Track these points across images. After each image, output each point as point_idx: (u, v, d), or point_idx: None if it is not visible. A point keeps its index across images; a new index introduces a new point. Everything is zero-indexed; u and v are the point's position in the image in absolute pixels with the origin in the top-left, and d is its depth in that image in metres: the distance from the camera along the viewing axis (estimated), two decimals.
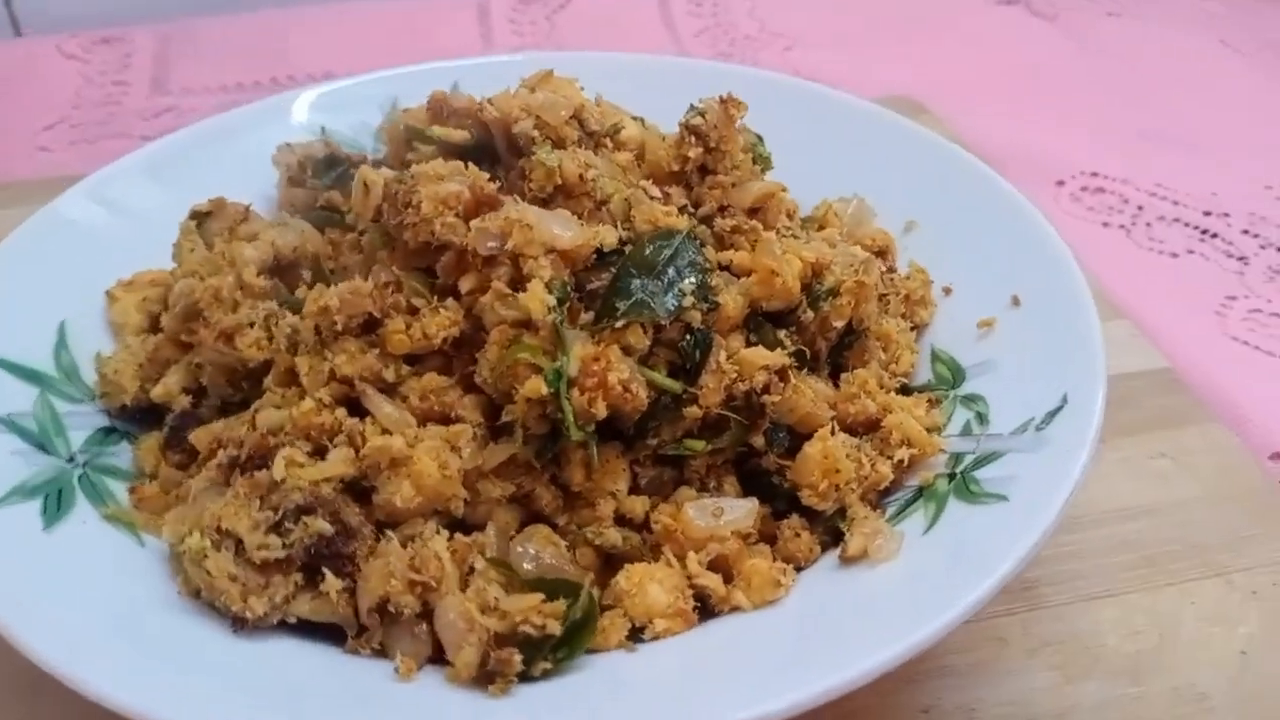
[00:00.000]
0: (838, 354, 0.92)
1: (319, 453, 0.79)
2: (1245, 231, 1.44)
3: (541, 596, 0.71)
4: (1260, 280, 1.36)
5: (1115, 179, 1.54)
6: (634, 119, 1.01)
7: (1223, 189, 1.51)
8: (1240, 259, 1.40)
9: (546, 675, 0.69)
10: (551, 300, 0.79)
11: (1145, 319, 1.25)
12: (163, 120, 1.75)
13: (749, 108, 0.96)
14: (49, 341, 0.94)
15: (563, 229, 0.81)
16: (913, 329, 0.97)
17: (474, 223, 0.81)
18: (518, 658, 0.67)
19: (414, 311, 0.84)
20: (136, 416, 0.92)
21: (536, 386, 0.77)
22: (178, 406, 0.90)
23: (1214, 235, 1.44)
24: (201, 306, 0.88)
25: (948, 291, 1.00)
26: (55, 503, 0.79)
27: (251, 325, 0.87)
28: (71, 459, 0.85)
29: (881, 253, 1.04)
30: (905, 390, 0.92)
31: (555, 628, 0.69)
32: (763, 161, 0.98)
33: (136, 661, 0.67)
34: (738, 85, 1.19)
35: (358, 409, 0.81)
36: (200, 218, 0.99)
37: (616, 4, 2.06)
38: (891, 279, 0.98)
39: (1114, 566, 0.91)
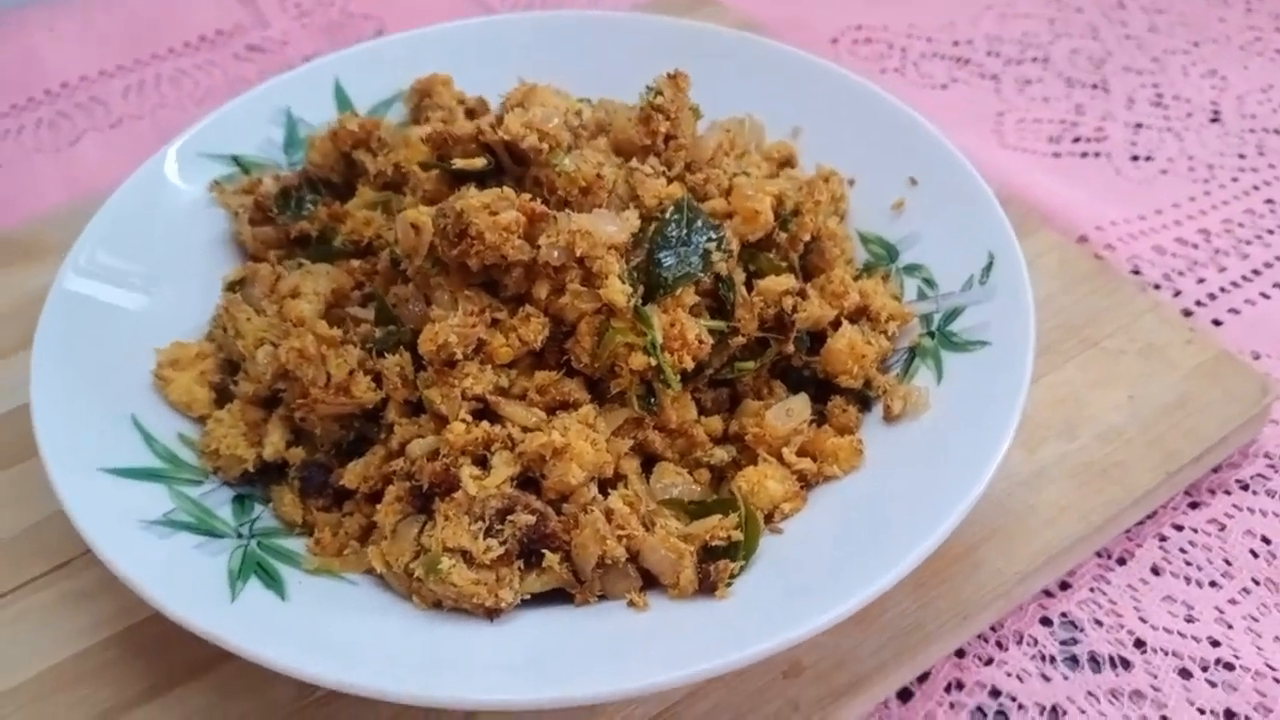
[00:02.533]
0: (804, 259, 1.15)
1: (479, 463, 0.94)
2: (989, 53, 1.77)
3: (718, 516, 0.92)
4: (1014, 94, 1.70)
5: (876, 27, 1.82)
6: (581, 100, 1.15)
7: (959, 17, 1.83)
8: (993, 78, 1.73)
9: (743, 570, 0.91)
10: (628, 289, 0.96)
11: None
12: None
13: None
14: (136, 440, 1.00)
15: (612, 226, 0.98)
16: (840, 220, 1.22)
17: (542, 241, 0.95)
18: (733, 566, 0.89)
19: (495, 323, 0.98)
20: (252, 479, 1.01)
21: (642, 360, 0.95)
22: (293, 458, 1.00)
23: (966, 61, 1.76)
24: (290, 369, 0.98)
25: (851, 183, 1.24)
26: (269, 576, 0.90)
27: (352, 372, 0.98)
28: (239, 534, 0.95)
29: (788, 161, 1.26)
30: (857, 271, 1.17)
31: (739, 535, 0.91)
32: (695, 113, 1.16)
33: (453, 664, 0.82)
34: (603, 32, 1.37)
35: (486, 416, 0.96)
36: (234, 287, 1.06)
37: None
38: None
39: None
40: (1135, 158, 1.59)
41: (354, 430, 1.00)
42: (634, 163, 1.07)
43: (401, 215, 0.99)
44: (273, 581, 0.89)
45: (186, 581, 0.87)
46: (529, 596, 0.91)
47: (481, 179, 1.04)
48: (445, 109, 1.28)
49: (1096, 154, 1.60)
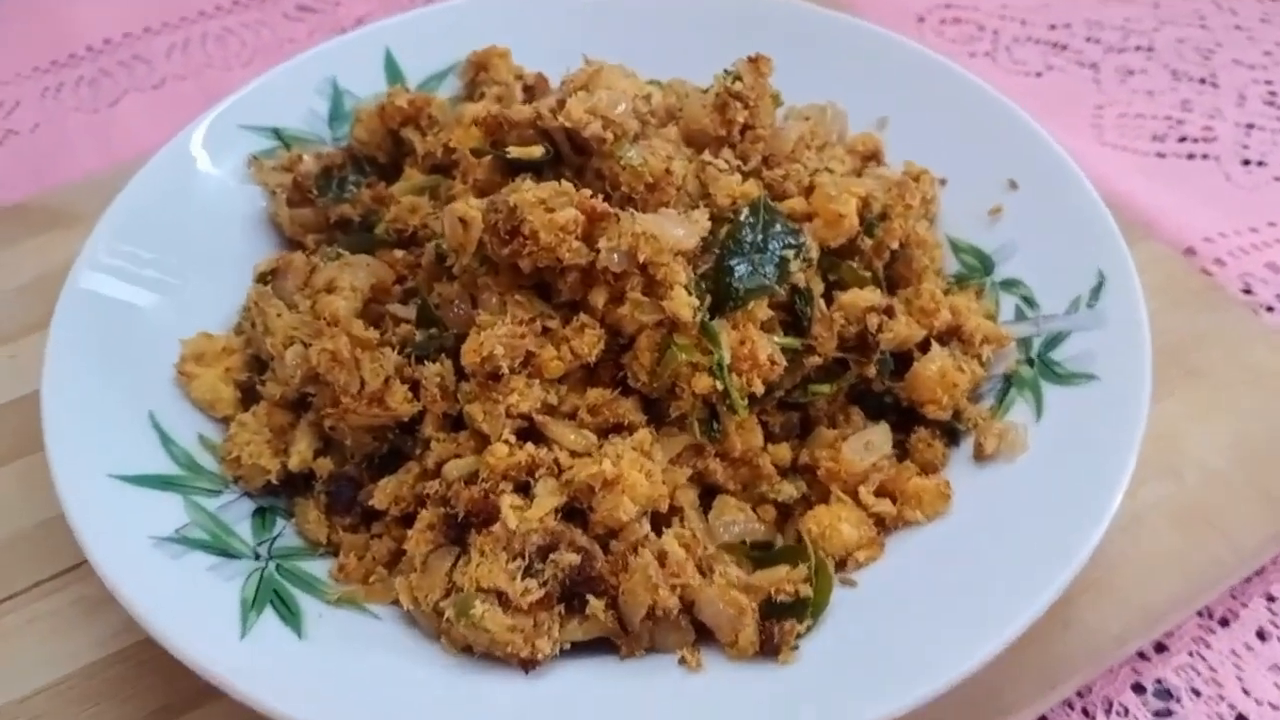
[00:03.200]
0: (890, 268, 1.04)
1: (521, 489, 0.85)
2: (1088, 39, 1.63)
3: (786, 567, 0.82)
4: (1115, 85, 1.56)
5: (966, 7, 1.69)
6: (650, 83, 1.05)
7: (1053, 2, 1.69)
8: (1092, 66, 1.59)
9: (810, 630, 0.81)
10: (694, 301, 0.86)
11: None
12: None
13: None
14: (153, 441, 0.92)
15: (681, 230, 0.87)
16: (930, 224, 1.10)
17: (602, 244, 0.85)
18: (799, 626, 0.79)
19: (546, 331, 0.89)
20: (275, 491, 0.93)
21: (706, 383, 0.85)
22: (320, 469, 0.92)
23: (1064, 47, 1.62)
24: (321, 372, 0.89)
25: (943, 183, 1.13)
26: (284, 606, 0.82)
27: (388, 380, 0.89)
28: (257, 555, 0.87)
29: (874, 156, 1.15)
30: (948, 283, 1.06)
31: (808, 590, 0.81)
32: (775, 100, 1.05)
33: None
34: (675, 6, 1.26)
35: (531, 437, 0.87)
36: (267, 278, 0.97)
37: None
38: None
39: None
40: (1247, 162, 1.45)
41: (388, 443, 0.91)
42: (706, 156, 0.96)
43: (449, 208, 0.89)
44: (290, 615, 0.81)
45: (195, 612, 0.79)
46: (569, 645, 0.81)
47: (538, 169, 0.94)
48: (502, 85, 1.18)
49: (1204, 156, 1.46)
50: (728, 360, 0.86)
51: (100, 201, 1.09)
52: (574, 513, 0.85)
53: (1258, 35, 1.62)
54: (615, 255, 0.86)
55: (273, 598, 0.82)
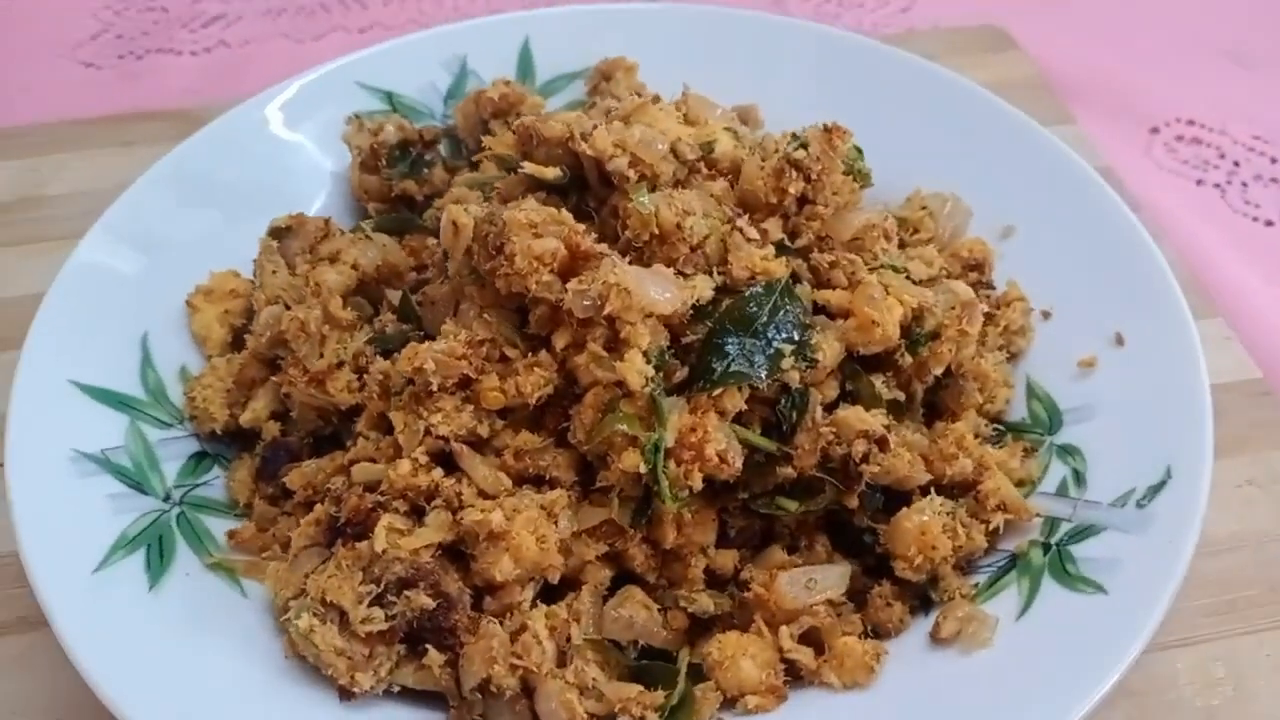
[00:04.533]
0: (932, 393, 0.90)
1: (416, 513, 0.79)
2: None
3: (639, 688, 0.73)
4: None
5: (1212, 129, 1.46)
6: (726, 129, 0.96)
7: None
8: None
9: None
10: (649, 370, 0.77)
11: (1238, 308, 1.21)
12: (211, 31, 1.68)
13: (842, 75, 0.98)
14: (134, 360, 0.94)
15: (661, 291, 0.79)
16: (1009, 358, 0.95)
17: (571, 285, 0.78)
18: None
19: (505, 359, 0.83)
20: (226, 440, 0.92)
21: (634, 460, 0.76)
22: (267, 433, 0.90)
23: None
24: (288, 338, 0.87)
25: (1046, 315, 0.97)
26: (158, 554, 0.81)
27: (341, 365, 0.86)
28: (168, 496, 0.86)
29: (978, 266, 1.00)
30: (999, 430, 0.91)
31: (653, 719, 0.71)
32: (861, 179, 0.93)
33: None
34: (815, 47, 1.16)
35: (453, 463, 0.81)
36: (279, 234, 0.97)
37: None
38: (990, 305, 0.95)
39: (1192, 610, 0.91)
40: None
41: (332, 425, 0.88)
42: (743, 221, 0.86)
43: (447, 208, 0.85)
44: (157, 563, 0.80)
45: (66, 532, 0.79)
46: (399, 689, 0.75)
47: (563, 193, 0.88)
48: (617, 100, 1.12)
49: None
50: (668, 443, 0.77)
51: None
52: (464, 556, 0.79)
53: None
54: (583, 300, 0.78)
55: (153, 541, 0.81)
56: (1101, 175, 1.14)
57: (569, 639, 0.76)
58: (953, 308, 0.88)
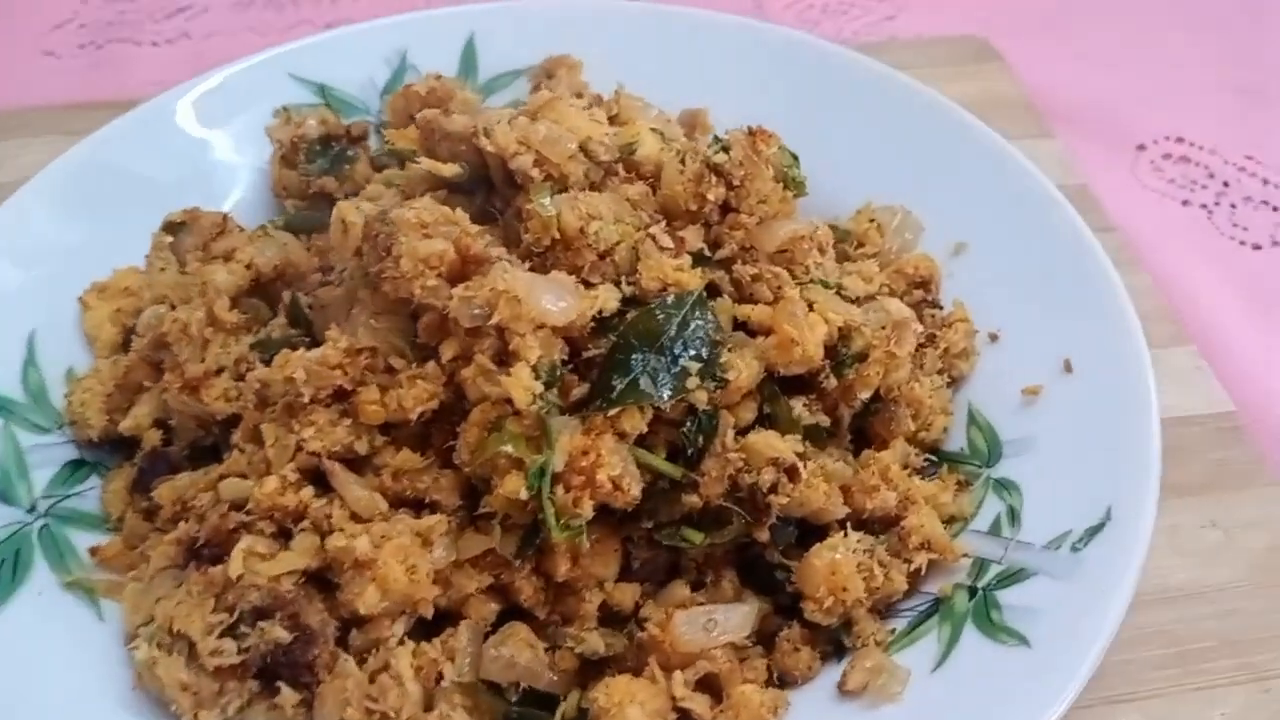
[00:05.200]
0: (862, 419, 0.83)
1: (283, 535, 0.73)
2: None
3: None
4: None
5: (1202, 147, 1.39)
6: (652, 130, 0.90)
7: None
8: None
9: None
10: (538, 386, 0.71)
11: (1214, 337, 1.13)
12: (175, 22, 1.64)
13: (786, 80, 0.97)
14: (17, 358, 0.88)
15: (555, 301, 0.72)
16: (950, 383, 0.88)
17: (457, 291, 0.72)
18: None
19: (390, 370, 0.76)
20: (107, 448, 0.86)
21: (516, 486, 0.70)
22: (148, 442, 0.85)
23: None
24: (169, 340, 0.81)
25: (994, 338, 0.90)
26: (11, 569, 0.75)
27: (220, 372, 0.80)
28: (33, 508, 0.81)
29: (923, 284, 0.94)
30: (932, 460, 0.84)
31: None
32: (795, 187, 0.87)
33: None
34: (771, 50, 1.10)
35: (326, 482, 0.75)
36: (173, 229, 0.91)
37: None
38: (932, 325, 0.88)
39: (1142, 663, 0.83)
40: None
41: (212, 435, 0.82)
42: (657, 229, 0.80)
43: (337, 206, 0.79)
44: (9, 580, 0.74)
45: None
46: None
47: (468, 193, 0.82)
48: (558, 98, 1.06)
49: None
50: (557, 468, 0.70)
51: None
52: (330, 585, 0.72)
53: None
54: (470, 309, 0.72)
55: (8, 557, 0.76)
56: (1077, 193, 1.08)
57: (439, 679, 0.69)
58: (883, 327, 0.82)
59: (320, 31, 1.58)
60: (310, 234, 0.95)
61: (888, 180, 1.02)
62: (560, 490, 0.71)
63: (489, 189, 0.82)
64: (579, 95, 1.06)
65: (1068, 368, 0.85)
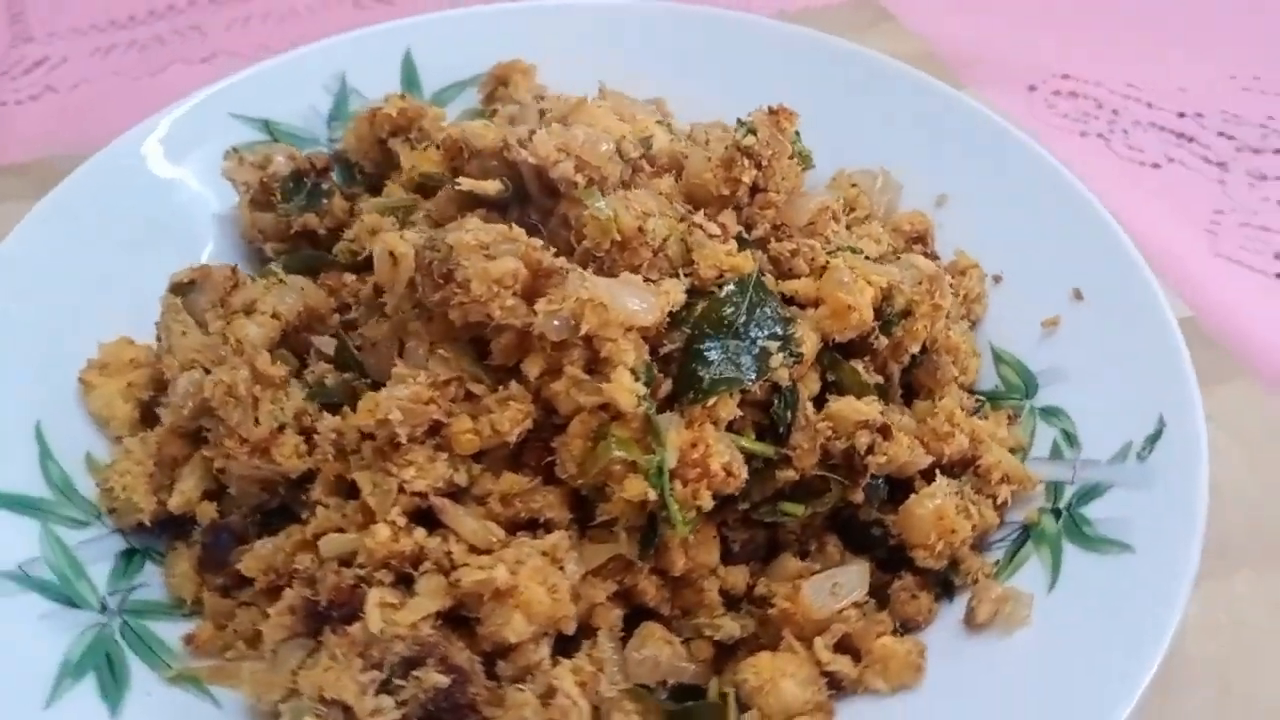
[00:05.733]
0: (907, 373, 0.87)
1: (404, 581, 0.71)
2: (1220, 134, 1.42)
3: None
4: (1243, 189, 1.35)
5: (1088, 80, 1.49)
6: (658, 124, 0.91)
7: (1191, 83, 1.48)
8: (1220, 164, 1.38)
9: None
10: (640, 388, 0.71)
11: (1142, 245, 1.23)
12: (35, 76, 1.53)
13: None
14: (31, 454, 0.82)
15: (639, 302, 0.73)
16: (970, 327, 0.93)
17: (540, 306, 0.72)
18: None
19: (470, 397, 0.75)
20: (154, 531, 0.82)
21: (639, 489, 0.71)
22: (203, 516, 0.80)
23: (1191, 139, 1.42)
24: (214, 406, 0.77)
25: (997, 280, 0.96)
26: (110, 676, 0.70)
27: (282, 428, 0.77)
28: (104, 606, 0.75)
29: (920, 238, 0.99)
30: (979, 401, 0.89)
31: None
32: (804, 161, 0.90)
33: None
34: (717, 32, 1.12)
35: (434, 520, 0.74)
36: (182, 289, 0.86)
37: None
38: (952, 280, 0.93)
39: None
40: None
41: (278, 497, 0.79)
42: (699, 217, 0.81)
43: (378, 238, 0.78)
44: (113, 687, 0.70)
45: (5, 666, 0.67)
46: None
47: (502, 208, 0.81)
48: (518, 105, 1.05)
49: None
50: (671, 464, 0.71)
51: None
52: (463, 620, 0.71)
53: None
54: (555, 321, 0.72)
55: (101, 663, 0.71)
56: None
57: (597, 692, 0.69)
58: (919, 283, 0.86)
59: (208, 67, 1.53)
60: (315, 274, 0.91)
61: (848, 145, 1.05)
62: (678, 485, 0.72)
63: (523, 202, 0.81)
64: (540, 98, 1.07)
65: (1078, 295, 0.91)
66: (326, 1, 1.66)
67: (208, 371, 0.80)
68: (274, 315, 0.83)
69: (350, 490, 0.76)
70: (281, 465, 0.76)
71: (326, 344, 0.84)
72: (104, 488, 0.81)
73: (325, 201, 0.99)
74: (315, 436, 0.76)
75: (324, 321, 0.87)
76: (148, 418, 0.86)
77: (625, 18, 1.17)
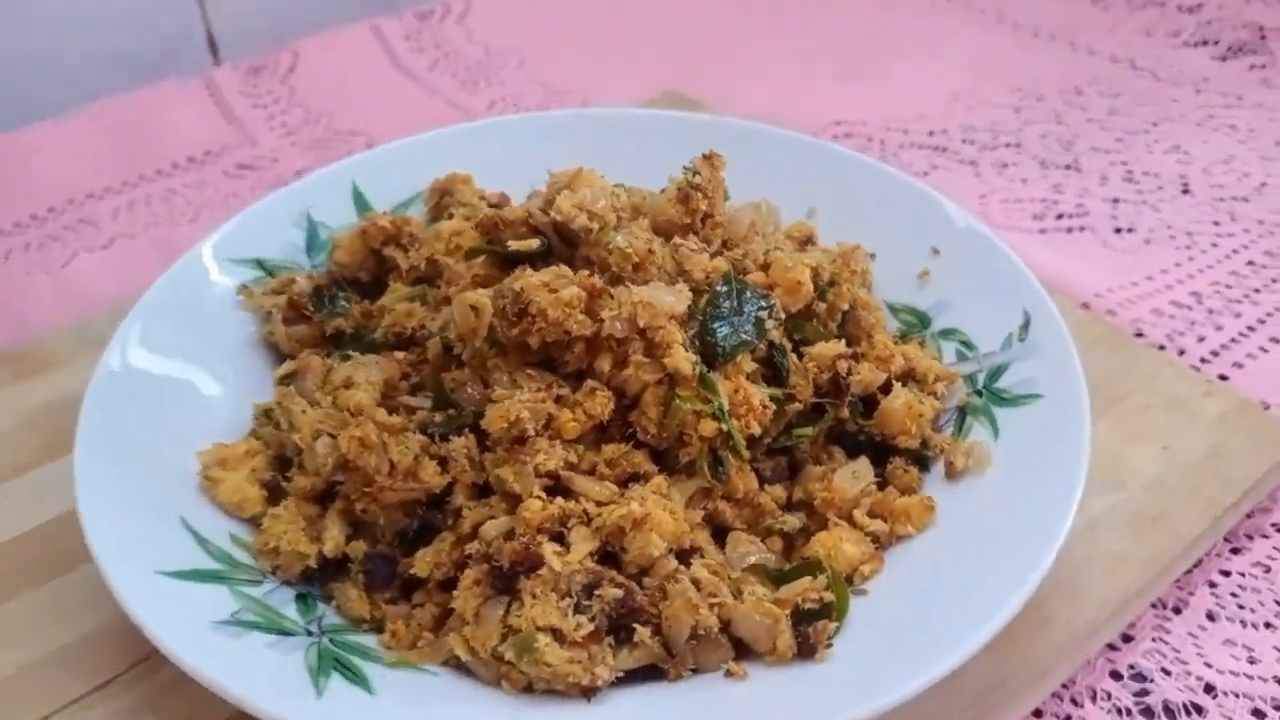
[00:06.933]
0: (842, 329, 1.16)
1: (555, 539, 0.92)
2: (964, 140, 1.85)
3: (808, 578, 0.91)
4: (994, 176, 1.77)
5: (855, 122, 1.90)
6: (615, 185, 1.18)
7: (929, 109, 1.91)
8: (971, 163, 1.80)
9: (838, 632, 0.89)
10: (693, 357, 0.96)
11: None
12: None
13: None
14: (188, 541, 0.96)
15: (671, 297, 0.99)
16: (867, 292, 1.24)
17: (605, 314, 0.96)
18: (832, 625, 0.88)
19: (559, 400, 0.98)
20: (311, 578, 0.97)
21: (712, 426, 0.95)
22: (355, 553, 0.97)
23: (944, 150, 1.84)
24: (352, 458, 0.95)
25: (873, 257, 1.28)
26: (349, 671, 0.86)
27: (416, 459, 0.96)
28: (309, 631, 0.91)
29: (809, 240, 1.29)
30: (895, 339, 1.19)
31: (830, 596, 0.90)
32: (725, 194, 1.19)
33: None
34: (612, 128, 1.40)
35: (557, 493, 0.95)
36: (289, 379, 1.04)
37: (340, 58, 2.11)
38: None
39: None
40: (1118, 230, 1.65)
41: (418, 519, 0.98)
42: (680, 240, 1.08)
43: (460, 298, 0.99)
44: (356, 677, 0.86)
45: (268, 679, 0.82)
46: (621, 674, 0.87)
47: (532, 261, 1.05)
48: (468, 205, 1.29)
49: (1081, 228, 1.66)
50: (727, 407, 0.96)
51: (72, 347, 1.23)
52: (607, 557, 0.92)
53: (1109, 126, 1.87)
54: (619, 323, 0.96)
55: (335, 664, 0.86)
56: None
57: (727, 578, 0.92)
58: (834, 260, 1.16)
59: (108, 252, 1.66)
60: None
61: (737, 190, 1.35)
62: (733, 421, 0.97)
63: (547, 255, 1.06)
64: (482, 198, 1.31)
65: (935, 251, 1.24)
66: (200, 177, 1.84)
67: (333, 436, 0.98)
68: (369, 383, 1.02)
69: (481, 492, 0.97)
70: (428, 482, 0.95)
71: (412, 401, 1.03)
72: (265, 550, 0.96)
73: (345, 306, 1.18)
74: (449, 457, 0.96)
75: (397, 389, 1.06)
76: (273, 495, 1.02)
77: (537, 128, 1.43)
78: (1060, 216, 1.68)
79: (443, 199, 1.34)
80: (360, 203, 1.35)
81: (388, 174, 1.37)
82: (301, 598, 0.96)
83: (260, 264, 1.26)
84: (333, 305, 1.18)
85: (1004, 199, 1.72)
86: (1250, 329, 1.47)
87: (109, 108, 1.92)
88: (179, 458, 1.04)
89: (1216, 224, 1.66)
